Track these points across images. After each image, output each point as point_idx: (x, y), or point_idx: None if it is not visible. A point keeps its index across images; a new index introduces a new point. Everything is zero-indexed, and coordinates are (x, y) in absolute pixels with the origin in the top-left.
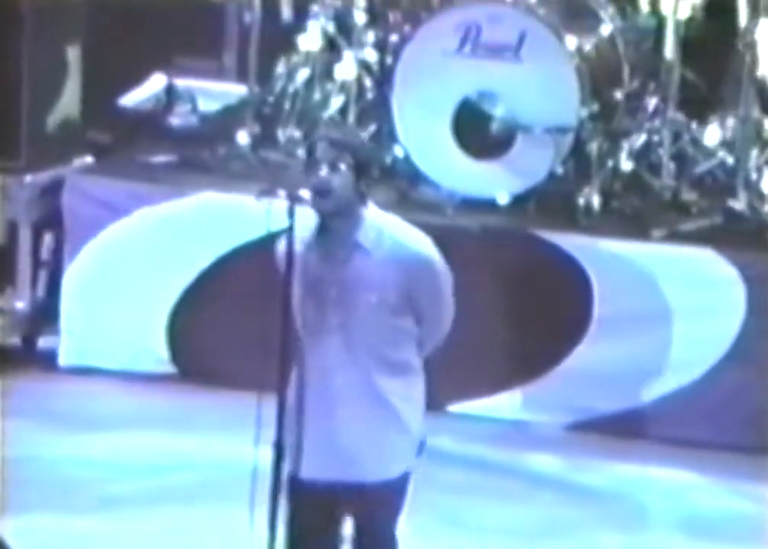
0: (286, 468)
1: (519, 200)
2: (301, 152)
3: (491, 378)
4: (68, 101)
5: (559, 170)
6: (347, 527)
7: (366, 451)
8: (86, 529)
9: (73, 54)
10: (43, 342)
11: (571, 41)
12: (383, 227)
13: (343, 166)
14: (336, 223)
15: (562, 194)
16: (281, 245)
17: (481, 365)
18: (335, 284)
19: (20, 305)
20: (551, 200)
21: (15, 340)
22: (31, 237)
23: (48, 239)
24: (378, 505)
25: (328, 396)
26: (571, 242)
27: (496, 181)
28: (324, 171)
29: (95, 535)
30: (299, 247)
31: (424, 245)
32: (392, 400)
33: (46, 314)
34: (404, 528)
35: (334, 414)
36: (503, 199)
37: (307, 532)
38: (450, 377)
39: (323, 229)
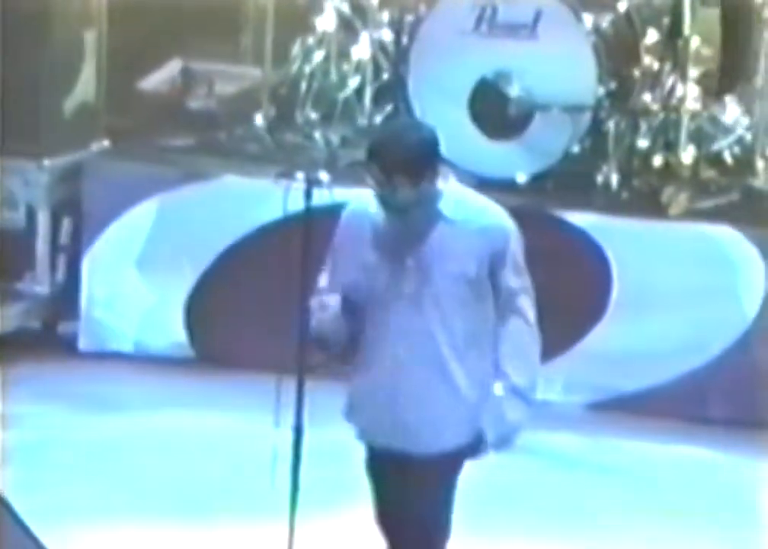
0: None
1: (536, 180)
2: (319, 136)
3: None
4: (85, 86)
5: (576, 149)
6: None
7: (421, 422)
8: (104, 509)
9: (90, 38)
10: (62, 327)
11: (588, 19)
12: (463, 198)
13: (407, 174)
14: (415, 199)
15: (580, 173)
16: (347, 213)
17: None
18: (414, 254)
19: (40, 289)
20: (568, 180)
21: (35, 325)
22: (50, 222)
23: (67, 223)
24: (426, 478)
25: (389, 364)
26: (588, 221)
27: (513, 161)
28: (388, 185)
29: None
30: (371, 212)
31: (505, 216)
32: (454, 374)
33: (65, 299)
34: None
35: (394, 381)
36: (520, 179)
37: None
38: None
39: (402, 201)
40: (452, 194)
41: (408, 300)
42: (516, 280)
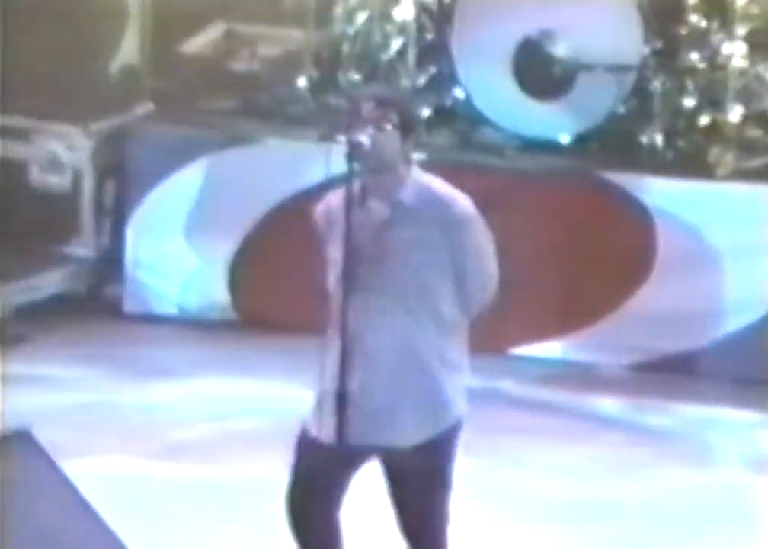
0: (305, 426)
1: (580, 141)
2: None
3: (555, 320)
4: (129, 50)
5: (621, 109)
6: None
7: (391, 416)
8: (151, 473)
9: (134, 2)
10: (107, 290)
11: None
12: (426, 187)
13: (389, 126)
14: (378, 181)
15: (625, 133)
16: (321, 206)
17: (545, 307)
18: (375, 243)
19: (85, 253)
20: (613, 140)
21: (81, 288)
22: (95, 185)
23: (111, 187)
24: (407, 469)
25: (358, 358)
26: (633, 182)
27: (557, 122)
28: (369, 129)
29: (160, 479)
30: (336, 205)
31: (466, 205)
32: (426, 361)
33: (110, 262)
34: (468, 470)
35: (363, 376)
36: (564, 140)
37: (313, 481)
38: (514, 319)
39: (364, 188)
40: (415, 182)
41: (372, 291)
42: (477, 267)
